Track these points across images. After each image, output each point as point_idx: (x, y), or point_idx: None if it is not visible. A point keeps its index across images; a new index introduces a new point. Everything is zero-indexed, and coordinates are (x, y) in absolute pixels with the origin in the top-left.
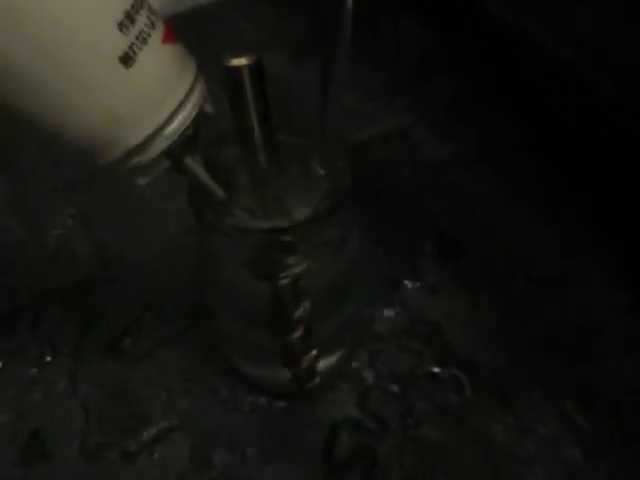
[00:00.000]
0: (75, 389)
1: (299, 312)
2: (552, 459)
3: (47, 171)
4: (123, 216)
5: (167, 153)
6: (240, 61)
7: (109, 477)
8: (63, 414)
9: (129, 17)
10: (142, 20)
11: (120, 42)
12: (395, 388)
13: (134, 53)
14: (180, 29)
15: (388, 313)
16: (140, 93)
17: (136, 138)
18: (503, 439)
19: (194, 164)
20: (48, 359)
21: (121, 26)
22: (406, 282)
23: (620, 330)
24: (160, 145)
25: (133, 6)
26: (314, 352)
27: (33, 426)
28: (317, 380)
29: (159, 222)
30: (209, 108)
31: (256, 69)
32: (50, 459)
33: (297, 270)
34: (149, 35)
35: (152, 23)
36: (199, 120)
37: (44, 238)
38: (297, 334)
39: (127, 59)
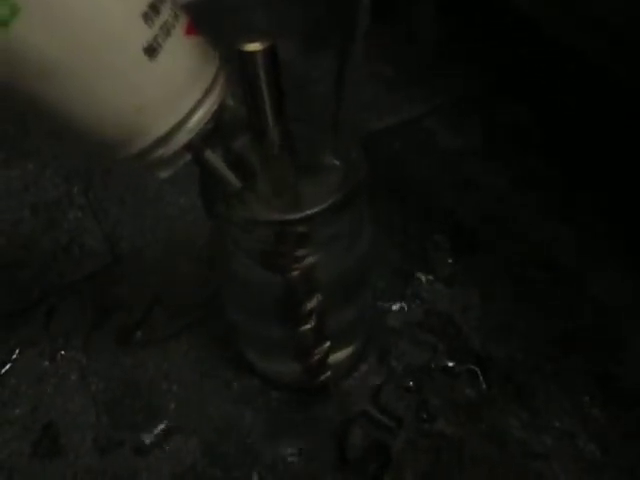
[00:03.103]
0: (87, 382)
1: (311, 303)
2: (568, 454)
3: (58, 163)
4: (134, 210)
5: (188, 146)
6: (254, 46)
7: (122, 471)
8: (75, 408)
9: (154, 8)
10: (166, 11)
11: (145, 33)
12: (409, 383)
13: (158, 45)
14: (194, 18)
15: (402, 306)
16: (164, 85)
17: (159, 130)
18: (519, 434)
19: (214, 157)
20: (62, 352)
21: (146, 17)
22: (420, 275)
23: (637, 325)
24: (182, 138)
25: None
26: (327, 344)
27: (46, 420)
28: (328, 373)
29: (170, 216)
30: (230, 101)
31: (270, 54)
32: (64, 453)
33: (309, 262)
34: (173, 27)
35: (176, 15)
36: (220, 113)
37: (56, 232)
38: (309, 325)
39: (151, 50)
